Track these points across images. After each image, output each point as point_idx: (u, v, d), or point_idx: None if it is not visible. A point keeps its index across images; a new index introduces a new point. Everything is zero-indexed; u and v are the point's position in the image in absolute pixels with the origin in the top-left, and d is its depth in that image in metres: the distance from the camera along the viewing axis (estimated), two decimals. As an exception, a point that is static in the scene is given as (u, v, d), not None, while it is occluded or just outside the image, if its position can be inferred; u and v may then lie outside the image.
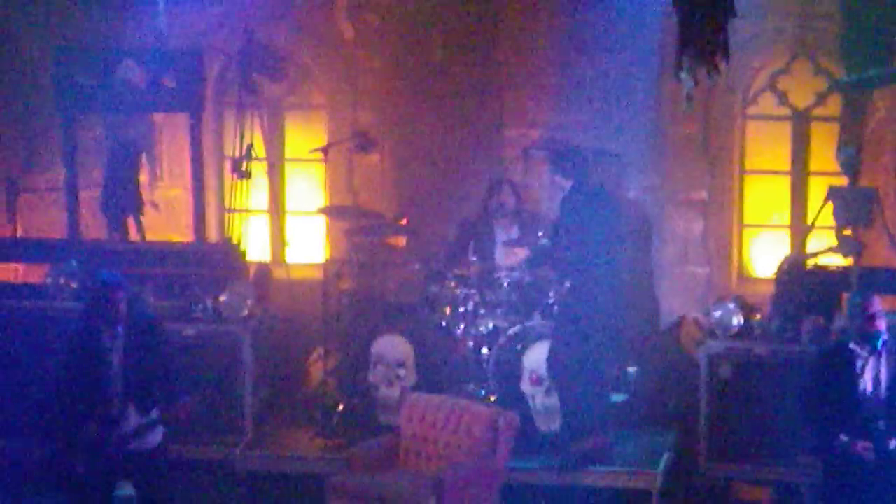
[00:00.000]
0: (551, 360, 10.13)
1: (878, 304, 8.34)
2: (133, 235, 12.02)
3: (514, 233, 11.04)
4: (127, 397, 8.56)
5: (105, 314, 8.59)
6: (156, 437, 8.67)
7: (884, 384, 8.15)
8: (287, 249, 12.55)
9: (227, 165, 12.28)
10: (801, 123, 11.79)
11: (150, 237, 12.05)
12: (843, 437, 8.05)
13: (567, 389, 10.08)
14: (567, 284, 10.16)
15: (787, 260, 10.77)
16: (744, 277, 11.89)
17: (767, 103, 11.82)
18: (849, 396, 8.14)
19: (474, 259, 10.86)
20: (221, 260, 11.50)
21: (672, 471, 10.20)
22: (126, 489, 8.20)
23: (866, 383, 8.16)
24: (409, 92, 12.07)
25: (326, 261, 12.12)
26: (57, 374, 8.82)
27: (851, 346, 8.25)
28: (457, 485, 9.09)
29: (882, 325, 8.22)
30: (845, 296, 9.84)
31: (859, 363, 8.17)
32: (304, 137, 12.53)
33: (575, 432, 10.10)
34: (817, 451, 8.32)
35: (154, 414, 8.60)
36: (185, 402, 8.62)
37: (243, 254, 11.78)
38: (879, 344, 8.18)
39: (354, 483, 9.27)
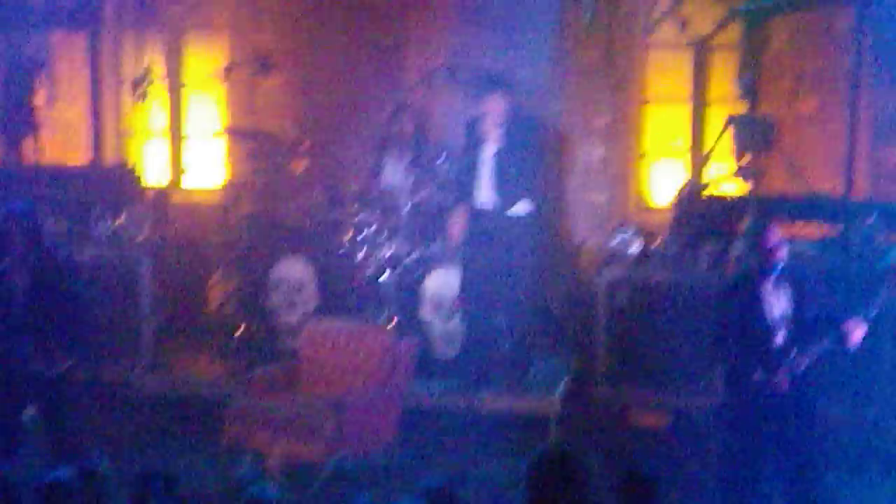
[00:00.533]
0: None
1: (777, 231, 8.38)
2: (29, 157, 11.84)
3: (415, 159, 10.99)
4: (26, 328, 8.49)
5: (8, 243, 8.49)
6: (60, 365, 8.58)
7: (787, 312, 8.17)
8: (186, 173, 12.42)
9: (126, 87, 12.10)
10: (700, 51, 11.81)
11: (46, 159, 11.87)
12: (759, 373, 8.05)
13: (484, 314, 10.17)
14: (511, 211, 10.17)
15: (684, 187, 10.84)
16: (642, 205, 11.94)
17: (668, 31, 11.83)
18: (757, 327, 8.14)
19: (376, 184, 10.83)
20: (118, 183, 11.40)
21: (569, 396, 10.28)
22: (31, 412, 8.18)
23: (772, 312, 8.18)
24: (311, 14, 11.92)
25: (226, 184, 12.03)
26: None
27: (753, 275, 8.27)
28: (357, 408, 9.11)
29: (781, 253, 8.24)
30: (743, 223, 9.94)
31: (763, 293, 8.19)
32: (205, 59, 12.37)
33: (482, 357, 10.21)
34: (728, 384, 8.32)
35: (59, 347, 8.54)
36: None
37: (140, 177, 11.66)
38: (779, 272, 8.22)
39: (254, 407, 9.24)
